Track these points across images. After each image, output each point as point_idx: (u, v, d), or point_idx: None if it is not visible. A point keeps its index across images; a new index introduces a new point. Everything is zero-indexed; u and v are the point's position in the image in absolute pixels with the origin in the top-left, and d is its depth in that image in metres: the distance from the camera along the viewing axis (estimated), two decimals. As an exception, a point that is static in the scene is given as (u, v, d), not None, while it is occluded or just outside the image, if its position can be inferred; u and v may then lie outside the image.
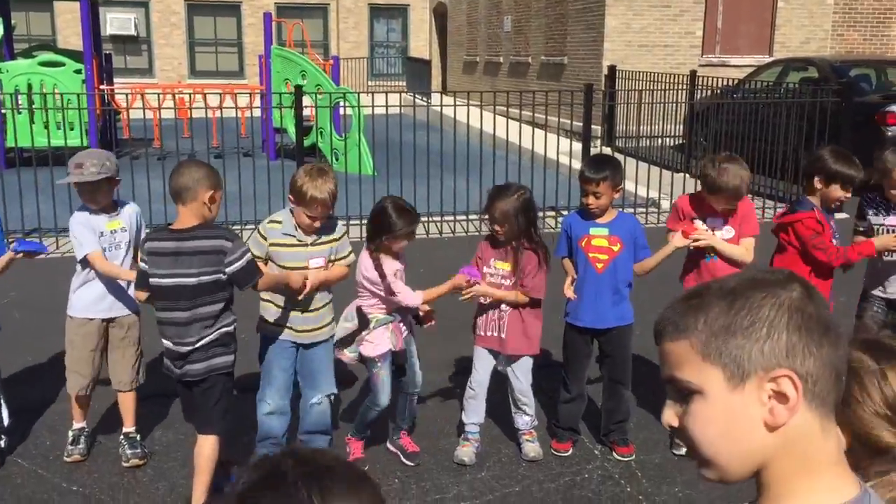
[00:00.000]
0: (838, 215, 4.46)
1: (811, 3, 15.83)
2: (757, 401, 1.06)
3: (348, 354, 4.02)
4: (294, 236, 3.80)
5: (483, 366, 4.17)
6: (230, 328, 3.65)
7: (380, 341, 3.97)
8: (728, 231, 4.14)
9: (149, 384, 4.51)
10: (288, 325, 3.88)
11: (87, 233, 4.00)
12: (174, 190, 3.51)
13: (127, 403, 4.22)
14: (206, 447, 3.64)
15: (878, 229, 4.27)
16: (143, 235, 4.12)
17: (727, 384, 1.07)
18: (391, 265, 3.91)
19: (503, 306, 4.04)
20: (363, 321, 3.98)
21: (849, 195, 4.09)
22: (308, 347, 3.93)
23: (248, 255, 3.54)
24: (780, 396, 1.05)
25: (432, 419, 4.61)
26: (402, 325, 4.01)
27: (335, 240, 3.92)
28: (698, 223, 4.14)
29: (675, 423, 1.14)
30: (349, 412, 4.61)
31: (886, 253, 4.20)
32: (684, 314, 1.12)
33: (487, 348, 4.14)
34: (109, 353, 4.19)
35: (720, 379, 1.07)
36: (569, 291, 4.14)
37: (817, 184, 4.07)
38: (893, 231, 4.26)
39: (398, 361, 4.10)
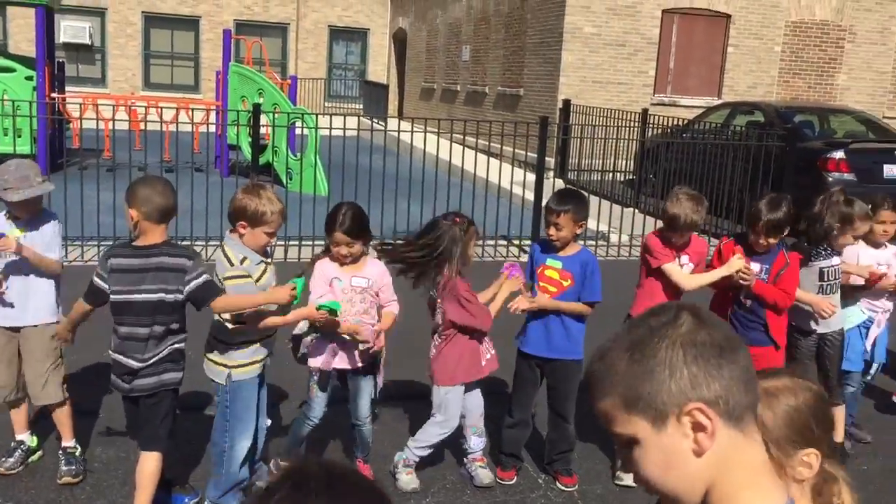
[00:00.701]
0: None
1: (759, 50, 16.37)
2: (681, 435, 1.17)
3: (302, 349, 4.00)
4: (265, 262, 3.76)
5: (461, 401, 4.16)
6: (181, 345, 3.62)
7: (316, 354, 3.97)
8: (690, 268, 4.29)
9: (92, 399, 4.43)
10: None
11: None
12: (166, 209, 3.48)
13: (59, 417, 4.13)
14: (149, 464, 3.59)
15: (825, 272, 4.47)
16: (57, 250, 4.05)
17: (653, 428, 1.18)
18: (329, 272, 3.91)
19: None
20: (314, 327, 3.95)
21: (769, 240, 4.22)
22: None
23: (206, 274, 3.53)
24: (698, 426, 1.16)
25: (378, 443, 4.60)
26: (340, 350, 3.97)
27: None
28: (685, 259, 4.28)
29: (633, 473, 1.25)
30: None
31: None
32: (599, 376, 1.23)
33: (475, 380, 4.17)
34: (22, 365, 4.08)
35: (647, 426, 1.18)
36: (525, 293, 4.14)
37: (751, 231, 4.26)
38: (837, 270, 4.49)
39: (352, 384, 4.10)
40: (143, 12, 24.11)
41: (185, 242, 8.55)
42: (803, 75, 16.74)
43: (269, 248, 3.86)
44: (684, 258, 4.30)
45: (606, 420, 1.23)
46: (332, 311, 3.74)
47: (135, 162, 9.92)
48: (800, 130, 11.29)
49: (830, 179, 10.36)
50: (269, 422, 4.04)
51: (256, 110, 9.10)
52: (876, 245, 4.84)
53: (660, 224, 4.55)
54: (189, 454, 4.28)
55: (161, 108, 10.41)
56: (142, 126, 10.19)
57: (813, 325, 4.54)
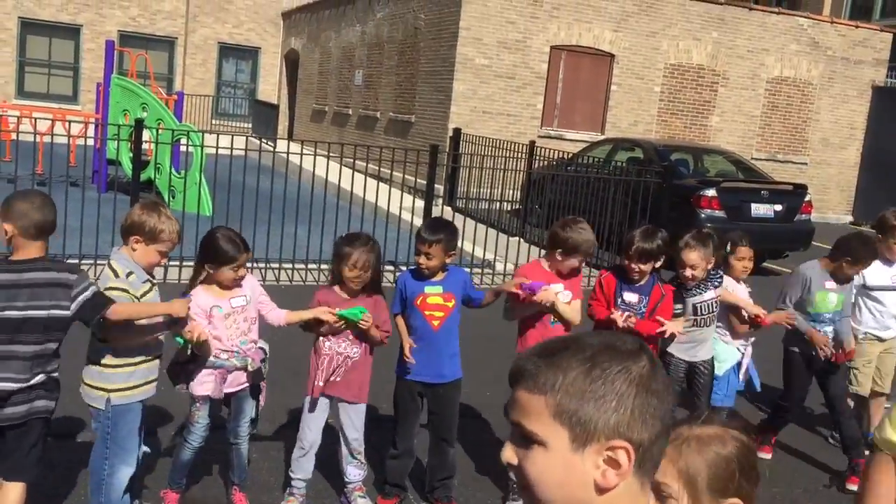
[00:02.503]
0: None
1: (640, 89, 17.12)
2: (593, 464, 1.18)
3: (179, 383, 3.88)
4: (150, 280, 3.63)
5: (316, 423, 4.10)
6: (56, 374, 3.43)
7: (203, 383, 3.85)
8: (566, 295, 4.35)
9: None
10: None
11: None
12: (43, 224, 3.32)
13: None
14: (12, 495, 3.38)
15: (699, 306, 4.67)
16: None
17: (570, 444, 1.18)
18: (205, 302, 3.82)
19: (354, 352, 4.03)
20: (194, 356, 3.84)
21: (641, 267, 4.40)
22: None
23: (94, 287, 3.37)
24: (614, 463, 1.17)
25: (258, 470, 4.49)
26: (228, 374, 3.89)
27: None
28: (555, 287, 4.33)
29: (515, 462, 1.23)
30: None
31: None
32: (544, 370, 1.21)
33: (327, 397, 4.09)
34: None
35: (565, 438, 1.18)
36: (409, 355, 4.17)
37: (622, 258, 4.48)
38: (712, 304, 4.69)
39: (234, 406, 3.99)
40: (19, 17, 23.00)
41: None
42: (680, 115, 17.60)
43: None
44: (559, 286, 4.37)
45: (523, 412, 1.21)
46: (349, 320, 3.89)
47: (4, 174, 9.40)
48: (675, 168, 11.83)
49: (703, 216, 10.90)
50: (146, 449, 3.86)
51: (139, 125, 8.80)
52: (737, 281, 5.09)
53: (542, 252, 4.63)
54: (59, 483, 4.05)
55: (35, 118, 9.92)
56: (13, 136, 9.68)
57: (682, 356, 4.74)
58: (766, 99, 18.33)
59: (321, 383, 4.03)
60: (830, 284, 5.14)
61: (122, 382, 3.54)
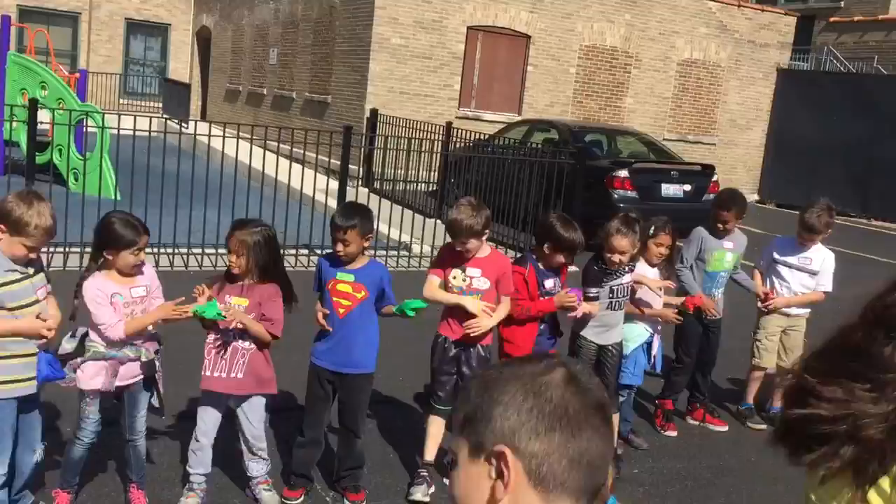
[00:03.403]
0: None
1: (556, 70, 17.25)
2: (486, 474, 1.13)
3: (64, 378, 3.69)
4: (17, 270, 3.41)
5: (210, 415, 3.97)
6: None
7: (94, 376, 3.68)
8: (484, 282, 4.32)
9: None
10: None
11: None
12: None
13: None
14: None
15: (615, 289, 4.70)
16: None
17: (469, 455, 1.16)
18: (107, 287, 3.64)
19: (247, 344, 3.90)
20: (81, 347, 3.67)
21: (570, 260, 4.53)
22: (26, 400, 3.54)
23: None
24: (500, 472, 1.12)
25: (157, 466, 4.33)
26: (121, 367, 3.73)
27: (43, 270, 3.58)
28: (457, 272, 4.29)
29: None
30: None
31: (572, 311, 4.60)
32: (459, 394, 1.24)
33: (216, 392, 3.96)
34: None
35: (465, 449, 1.16)
36: (322, 321, 4.08)
37: (546, 249, 4.46)
38: (627, 287, 4.74)
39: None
40: None
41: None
42: (595, 97, 17.82)
43: (38, 262, 3.52)
44: (475, 271, 4.34)
45: (451, 437, 1.24)
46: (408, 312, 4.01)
47: None
48: (589, 149, 11.98)
49: (615, 196, 11.07)
50: (39, 451, 3.66)
51: (33, 105, 8.38)
52: (651, 265, 5.16)
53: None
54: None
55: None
56: None
57: (594, 339, 4.79)
58: (677, 81, 18.73)
59: (208, 373, 3.91)
60: (728, 244, 5.38)
61: None
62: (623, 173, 11.29)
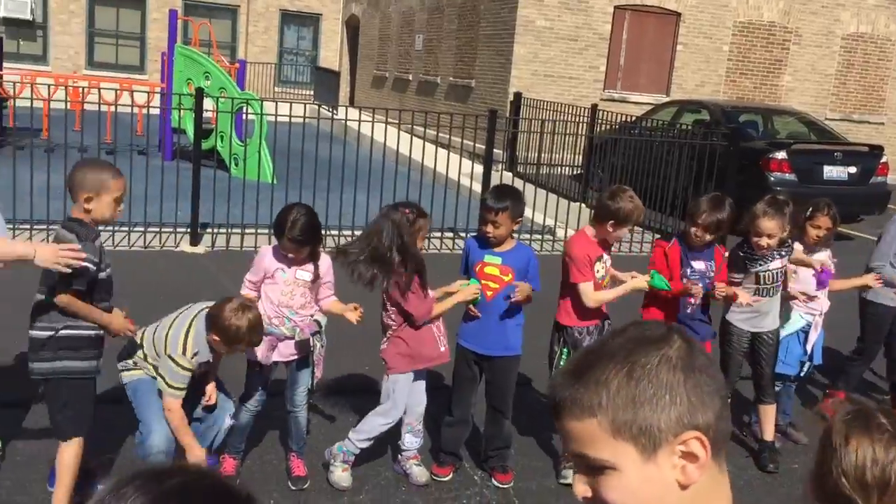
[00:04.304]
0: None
1: (708, 49, 16.58)
2: (670, 465, 1.10)
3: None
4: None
5: (407, 391, 4.12)
6: (76, 332, 3.47)
7: (257, 348, 3.90)
8: (601, 269, 4.27)
9: (21, 390, 4.26)
10: None
11: None
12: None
13: None
14: (65, 454, 3.51)
15: (763, 275, 4.50)
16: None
17: (640, 456, 1.09)
18: (273, 263, 3.88)
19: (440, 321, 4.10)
20: None
21: (717, 240, 4.42)
22: None
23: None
24: (691, 457, 1.09)
25: (314, 439, 4.53)
26: (280, 343, 3.93)
27: None
28: (598, 266, 4.24)
29: (589, 495, 1.14)
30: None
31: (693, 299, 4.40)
32: (584, 391, 1.11)
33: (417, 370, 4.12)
34: None
35: (633, 453, 1.09)
36: (473, 308, 4.16)
37: (689, 227, 4.38)
38: (777, 273, 4.53)
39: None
40: (87, -11, 23.42)
41: (123, 228, 8.34)
42: (750, 75, 17.01)
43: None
44: (606, 258, 4.29)
45: (580, 442, 1.12)
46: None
47: (73, 143, 9.64)
48: (744, 130, 11.46)
49: (772, 179, 10.55)
50: (229, 420, 3.93)
51: (199, 94, 8.89)
52: (810, 250, 4.89)
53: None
54: (112, 444, 4.16)
55: (102, 88, 10.10)
56: (81, 106, 9.90)
57: (744, 326, 4.61)
58: (842, 57, 17.58)
59: (441, 348, 4.14)
60: None
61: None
62: (781, 155, 10.73)
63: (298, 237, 3.80)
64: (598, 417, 1.09)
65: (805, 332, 4.89)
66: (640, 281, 4.24)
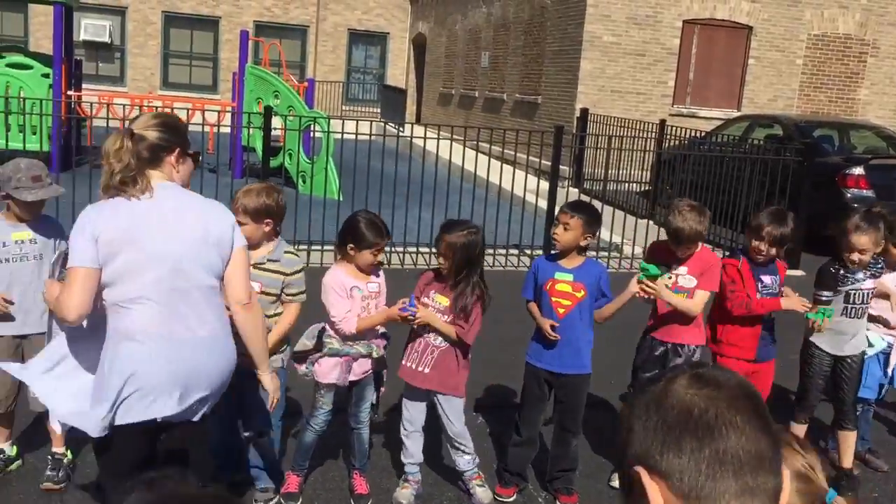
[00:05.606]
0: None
1: (781, 63, 16.20)
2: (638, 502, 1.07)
3: (303, 369, 3.95)
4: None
5: (413, 404, 4.07)
6: None
7: (328, 371, 3.89)
8: (690, 280, 4.17)
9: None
10: None
11: None
12: None
13: (52, 423, 4.06)
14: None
15: (852, 294, 4.34)
16: (59, 252, 3.99)
17: (620, 487, 1.12)
18: (347, 281, 3.84)
19: (438, 341, 3.96)
20: (320, 343, 3.90)
21: (780, 254, 4.26)
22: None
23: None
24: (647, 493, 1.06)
25: (378, 455, 4.52)
26: (354, 363, 3.91)
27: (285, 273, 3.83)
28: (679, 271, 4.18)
29: None
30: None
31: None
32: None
33: (420, 385, 4.02)
34: None
35: (618, 482, 1.13)
36: (550, 331, 4.03)
37: (752, 240, 4.25)
38: (867, 294, 4.35)
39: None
40: (163, 11, 24.22)
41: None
42: (824, 89, 16.54)
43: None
44: (682, 269, 4.20)
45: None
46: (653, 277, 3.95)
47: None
48: (819, 145, 11.11)
49: (849, 196, 10.20)
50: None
51: (268, 113, 9.06)
52: (893, 268, 4.68)
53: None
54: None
55: (175, 107, 10.38)
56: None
57: (827, 349, 4.43)
58: (923, 68, 16.95)
59: (405, 363, 4.02)
60: None
61: None
62: (858, 170, 10.38)
63: (383, 228, 3.85)
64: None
65: (885, 353, 4.68)
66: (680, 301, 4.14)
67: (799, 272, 8.84)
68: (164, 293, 2.86)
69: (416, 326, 3.93)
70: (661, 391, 1.07)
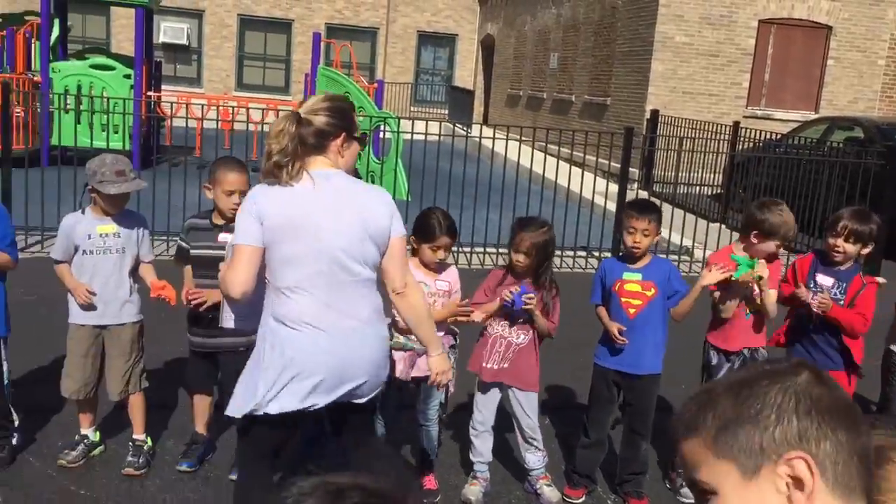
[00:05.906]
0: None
1: (861, 63, 15.69)
2: (773, 490, 1.02)
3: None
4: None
5: (485, 403, 4.08)
6: None
7: (394, 364, 3.93)
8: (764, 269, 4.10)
9: (167, 392, 4.46)
10: None
11: (62, 240, 4.02)
12: None
13: (133, 410, 4.19)
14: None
15: None
16: (143, 246, 4.14)
17: (741, 478, 1.04)
18: (417, 275, 3.86)
19: (520, 339, 3.97)
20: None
21: (847, 247, 4.09)
22: None
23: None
24: (797, 482, 1.01)
25: (447, 452, 4.54)
26: (418, 358, 3.94)
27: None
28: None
29: None
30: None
31: None
32: (694, 412, 1.10)
33: (492, 382, 4.06)
34: (105, 361, 4.12)
35: (734, 474, 1.04)
36: (617, 335, 3.98)
37: (829, 237, 4.14)
38: None
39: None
40: (238, 14, 24.79)
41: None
42: (908, 90, 15.96)
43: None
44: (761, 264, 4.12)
45: (690, 465, 1.10)
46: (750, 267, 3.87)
47: (222, 160, 10.15)
48: (902, 148, 10.73)
49: (934, 201, 9.81)
50: None
51: (341, 113, 9.17)
52: None
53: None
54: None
55: (249, 108, 10.62)
56: (231, 125, 10.44)
57: None
58: None
59: (486, 364, 4.01)
60: None
61: None
62: (943, 175, 9.97)
63: (452, 231, 3.89)
64: (701, 436, 1.07)
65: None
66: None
67: (879, 279, 8.55)
68: (323, 286, 2.90)
69: (524, 308, 3.88)
70: (797, 381, 1.05)
